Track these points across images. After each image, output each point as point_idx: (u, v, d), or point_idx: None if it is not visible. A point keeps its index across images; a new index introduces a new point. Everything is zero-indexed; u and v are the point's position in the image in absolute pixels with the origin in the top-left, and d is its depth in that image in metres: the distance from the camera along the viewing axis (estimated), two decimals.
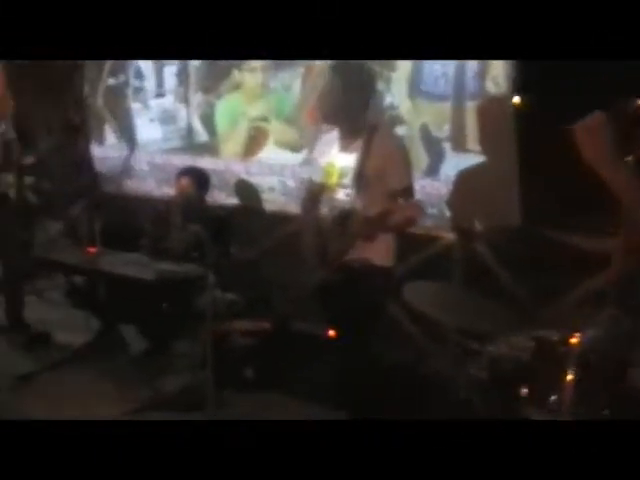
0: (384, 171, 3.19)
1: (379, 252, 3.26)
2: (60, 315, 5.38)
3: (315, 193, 3.53)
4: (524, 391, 2.57)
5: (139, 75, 5.72)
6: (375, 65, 4.03)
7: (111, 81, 5.94)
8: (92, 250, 4.42)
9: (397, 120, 4.41)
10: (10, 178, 6.11)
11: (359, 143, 3.28)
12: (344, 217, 3.22)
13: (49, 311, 5.60)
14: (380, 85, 4.24)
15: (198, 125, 5.37)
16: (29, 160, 5.53)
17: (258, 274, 4.92)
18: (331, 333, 3.72)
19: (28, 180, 6.66)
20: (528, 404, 2.56)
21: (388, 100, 4.43)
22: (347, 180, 3.29)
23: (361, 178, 3.22)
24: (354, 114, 3.29)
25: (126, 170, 5.48)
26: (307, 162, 4.60)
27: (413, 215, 2.99)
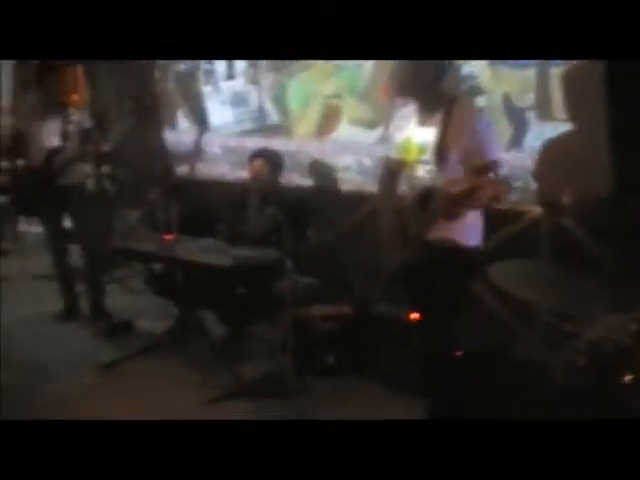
0: (466, 145, 3.00)
1: (463, 231, 3.07)
2: (141, 303, 5.42)
3: (393, 171, 3.37)
4: (628, 378, 2.36)
5: None
6: None
7: (181, 65, 5.86)
8: (169, 237, 4.38)
9: (477, 90, 4.19)
10: (88, 168, 6.20)
11: (438, 116, 3.09)
12: (425, 195, 3.04)
13: (130, 299, 5.65)
14: None
15: (270, 106, 5.24)
16: (106, 148, 5.53)
17: (336, 257, 4.79)
18: (413, 316, 3.58)
19: (105, 169, 6.74)
20: (632, 392, 2.35)
21: (466, 70, 4.21)
22: (426, 156, 3.11)
23: (442, 153, 3.04)
24: (430, 86, 3.10)
25: (199, 154, 5.40)
26: (383, 139, 4.44)
27: (500, 191, 2.77)
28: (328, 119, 4.89)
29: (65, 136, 4.99)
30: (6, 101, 7.64)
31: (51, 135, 5.00)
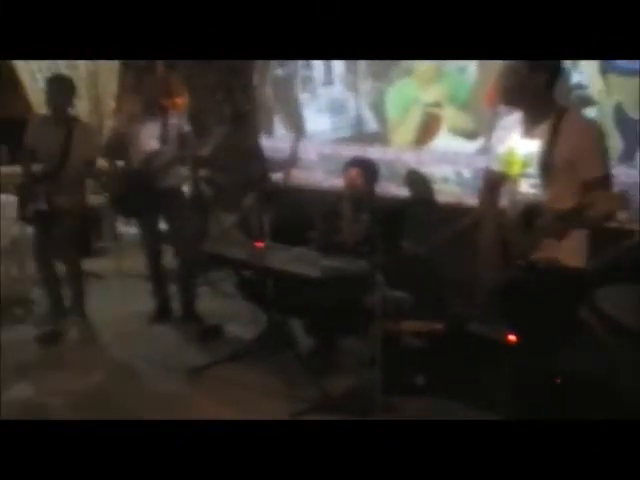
0: (575, 158, 2.78)
1: (569, 251, 2.85)
2: (232, 307, 5.38)
3: (494, 184, 3.18)
4: None
5: (307, 64, 5.54)
6: None
7: (279, 71, 5.82)
8: (260, 244, 4.32)
9: (587, 100, 3.94)
10: (185, 171, 6.25)
11: (545, 127, 2.88)
12: (529, 211, 2.84)
13: (221, 303, 5.64)
14: (566, 61, 3.80)
15: (368, 113, 5.11)
16: (203, 152, 5.54)
17: (430, 270, 4.61)
18: (511, 338, 3.37)
19: (202, 172, 6.78)
20: None
21: (576, 78, 3.97)
22: (531, 169, 2.90)
23: (548, 167, 2.82)
24: (540, 94, 2.89)
25: (295, 161, 5.32)
26: (484, 150, 4.25)
27: (614, 208, 2.54)
28: (427, 128, 4.72)
29: (164, 139, 5.02)
30: (110, 104, 7.82)
31: (150, 138, 5.04)
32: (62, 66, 7.72)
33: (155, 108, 5.07)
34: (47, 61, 7.61)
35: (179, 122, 5.12)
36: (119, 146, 5.27)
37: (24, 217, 5.15)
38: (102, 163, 5.40)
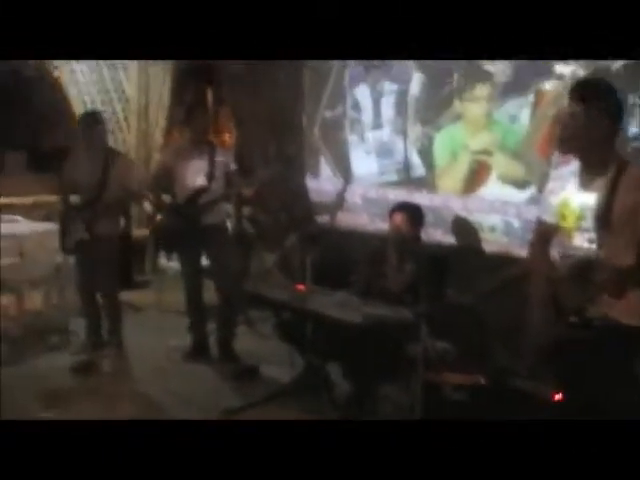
0: (636, 213, 2.66)
1: (627, 309, 2.71)
2: (269, 348, 5.28)
3: (546, 235, 3.05)
4: None
5: (356, 107, 5.51)
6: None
7: (328, 113, 5.79)
8: (301, 287, 4.24)
9: None
10: (230, 208, 6.23)
11: (603, 180, 2.77)
12: (585, 266, 2.71)
13: (259, 343, 5.55)
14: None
15: (415, 158, 5.04)
16: (248, 191, 5.52)
17: (475, 321, 4.47)
18: (558, 397, 3.22)
19: (246, 211, 6.77)
20: None
21: (633, 130, 3.85)
22: (587, 223, 2.79)
23: (606, 221, 2.70)
24: (601, 144, 2.78)
25: (341, 204, 5.25)
26: (535, 200, 4.13)
27: None
28: (476, 175, 4.63)
29: (210, 176, 5.01)
30: (158, 138, 7.89)
31: (197, 174, 5.02)
32: (115, 99, 7.87)
33: (202, 144, 5.07)
34: (100, 94, 7.75)
35: (226, 160, 5.11)
36: (165, 180, 5.29)
37: (65, 248, 5.23)
38: (148, 196, 5.44)
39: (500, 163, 4.51)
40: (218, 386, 4.80)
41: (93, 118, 5.27)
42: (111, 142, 7.75)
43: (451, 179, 4.80)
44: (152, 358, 5.24)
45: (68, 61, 7.46)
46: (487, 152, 4.54)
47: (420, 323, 3.83)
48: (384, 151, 5.28)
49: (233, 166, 5.13)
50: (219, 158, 5.05)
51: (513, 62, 4.31)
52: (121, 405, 4.45)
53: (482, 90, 4.49)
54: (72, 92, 7.63)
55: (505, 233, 4.54)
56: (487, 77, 4.45)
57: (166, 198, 5.34)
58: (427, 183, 4.98)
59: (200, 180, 5.01)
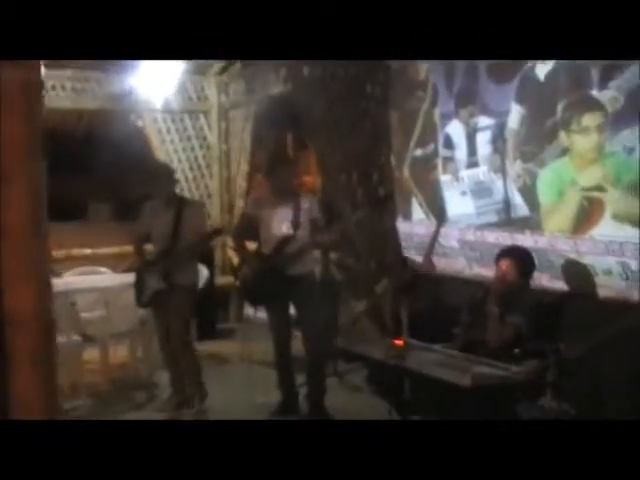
0: None
1: None
2: (360, 402, 4.93)
3: None
4: None
5: (449, 144, 5.16)
6: None
7: (418, 151, 5.46)
8: (399, 342, 3.89)
9: None
10: (316, 254, 5.98)
11: None
12: None
13: (350, 397, 5.22)
14: None
15: (517, 197, 4.63)
16: (334, 237, 5.26)
17: (591, 375, 4.02)
18: None
19: (333, 256, 6.50)
20: None
21: None
22: None
23: None
24: None
25: (434, 248, 4.90)
26: None
27: None
28: (587, 214, 4.18)
29: (296, 225, 4.79)
30: (241, 184, 7.77)
31: (282, 223, 4.84)
32: (196, 146, 7.80)
33: (286, 192, 4.86)
34: (182, 141, 7.70)
35: (311, 206, 4.88)
36: (250, 230, 5.13)
37: (140, 301, 5.14)
38: (232, 246, 5.29)
39: (615, 200, 4.06)
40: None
41: (162, 170, 5.34)
42: (193, 189, 7.81)
43: (559, 219, 4.37)
44: (239, 414, 4.97)
45: (151, 111, 7.47)
46: (599, 188, 4.09)
47: (534, 383, 3.45)
48: (481, 190, 4.89)
49: (318, 213, 4.92)
50: (304, 205, 4.85)
51: (623, 89, 3.91)
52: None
53: (591, 120, 4.07)
54: (154, 141, 7.60)
55: (622, 277, 4.08)
56: (596, 106, 4.03)
57: (250, 246, 5.17)
58: (531, 224, 4.55)
59: (285, 229, 4.82)
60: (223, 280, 7.74)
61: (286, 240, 4.80)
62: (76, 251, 7.70)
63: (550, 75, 4.30)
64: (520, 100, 4.53)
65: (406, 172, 5.61)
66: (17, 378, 1.92)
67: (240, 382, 5.50)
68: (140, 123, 7.70)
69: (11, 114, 1.92)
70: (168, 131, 7.67)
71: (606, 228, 4.11)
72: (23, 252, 1.91)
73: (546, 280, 4.44)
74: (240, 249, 5.29)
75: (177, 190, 5.50)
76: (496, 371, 3.54)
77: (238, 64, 7.14)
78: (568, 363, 3.99)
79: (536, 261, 4.38)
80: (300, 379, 5.06)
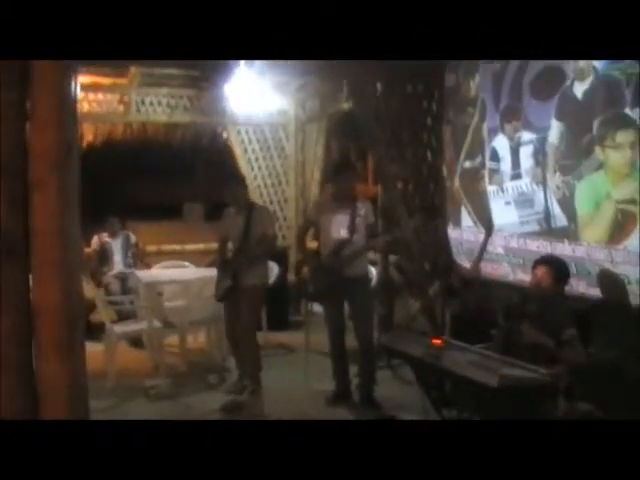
0: None
1: None
2: (410, 395, 4.84)
3: None
4: None
5: (495, 157, 5.02)
6: None
7: (467, 163, 5.34)
8: (438, 342, 3.81)
9: None
10: (372, 256, 5.95)
11: None
12: None
13: (400, 389, 5.14)
14: None
15: (556, 208, 4.46)
16: (388, 241, 5.22)
17: (622, 380, 3.82)
18: None
19: (392, 258, 6.44)
20: None
21: None
22: None
23: None
24: None
25: (481, 255, 4.77)
26: None
27: None
28: (621, 225, 3.99)
29: (352, 229, 4.78)
30: (314, 191, 7.81)
31: (339, 227, 4.84)
32: (275, 156, 7.89)
33: (345, 199, 4.86)
34: (262, 151, 7.79)
35: (367, 212, 4.88)
36: (312, 232, 5.21)
37: (216, 297, 5.22)
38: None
39: None
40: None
41: (235, 178, 5.53)
42: (272, 194, 7.90)
43: (595, 229, 4.18)
44: (296, 401, 5.01)
45: (235, 124, 7.60)
46: (633, 201, 3.89)
47: (560, 385, 3.32)
48: (524, 201, 4.74)
49: (373, 218, 4.94)
50: (360, 211, 4.83)
51: None
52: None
53: (625, 137, 3.87)
54: (237, 150, 7.73)
55: None
56: (630, 123, 3.83)
57: (311, 247, 5.18)
58: (569, 233, 4.37)
59: (343, 233, 4.82)
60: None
61: (343, 243, 4.80)
62: (166, 247, 7.93)
63: (587, 93, 4.12)
64: (560, 117, 4.36)
65: (456, 182, 5.49)
66: (43, 366, 1.98)
67: (302, 370, 5.52)
68: (225, 135, 7.85)
69: (45, 126, 1.97)
70: (250, 142, 7.78)
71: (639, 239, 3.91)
72: (50, 252, 1.98)
73: (583, 287, 4.26)
74: (301, 249, 5.36)
75: (250, 196, 5.58)
76: (525, 373, 3.40)
77: (314, 82, 7.16)
78: (600, 367, 3.82)
79: (574, 269, 4.21)
80: (354, 371, 5.05)
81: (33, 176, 1.94)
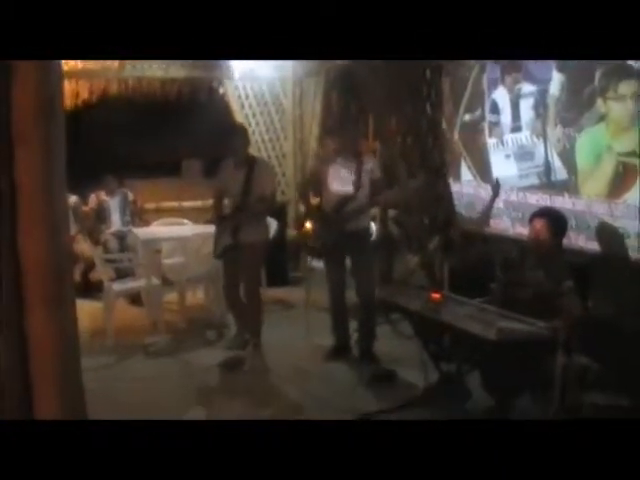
0: None
1: None
2: (409, 350, 4.85)
3: None
4: None
5: (495, 109, 4.94)
6: None
7: (467, 116, 5.25)
8: (436, 296, 3.80)
9: None
10: (375, 211, 5.90)
11: None
12: None
13: (399, 344, 5.15)
14: None
15: (557, 161, 4.40)
16: (393, 197, 5.17)
17: (619, 334, 3.82)
18: None
19: (391, 213, 6.40)
20: None
21: None
22: None
23: None
24: None
25: (488, 215, 4.69)
26: None
27: None
28: (621, 179, 3.94)
29: (357, 185, 4.73)
30: (312, 145, 7.72)
31: (344, 182, 4.77)
32: (272, 111, 7.77)
33: (350, 153, 4.79)
34: (259, 106, 7.68)
35: (373, 167, 4.80)
36: (315, 187, 5.05)
37: (216, 253, 5.12)
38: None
39: None
40: (356, 388, 4.48)
41: (237, 131, 5.22)
42: (269, 149, 7.80)
43: (595, 183, 4.13)
44: (295, 356, 5.05)
45: (231, 79, 7.47)
46: (634, 154, 3.83)
47: (558, 338, 3.31)
48: (524, 154, 4.67)
49: (378, 174, 4.82)
50: (366, 166, 4.75)
51: None
52: (259, 405, 4.24)
53: (627, 88, 3.78)
54: (234, 105, 7.61)
55: None
56: (632, 74, 3.75)
57: (313, 201, 5.12)
58: (569, 187, 4.32)
59: (348, 188, 4.75)
60: (295, 232, 7.79)
61: (347, 199, 4.74)
62: (165, 204, 7.89)
63: None
64: (561, 68, 4.27)
65: (456, 136, 5.42)
66: (32, 322, 1.96)
67: (301, 326, 5.54)
68: (222, 90, 7.72)
69: (25, 81, 1.93)
70: (247, 97, 7.66)
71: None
72: (35, 207, 1.95)
73: (582, 241, 4.23)
74: (305, 205, 5.25)
75: (250, 150, 5.40)
76: (522, 326, 3.40)
77: None
78: (597, 321, 3.82)
79: (573, 223, 4.18)
80: (354, 326, 5.06)
81: (15, 130, 1.90)
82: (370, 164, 4.80)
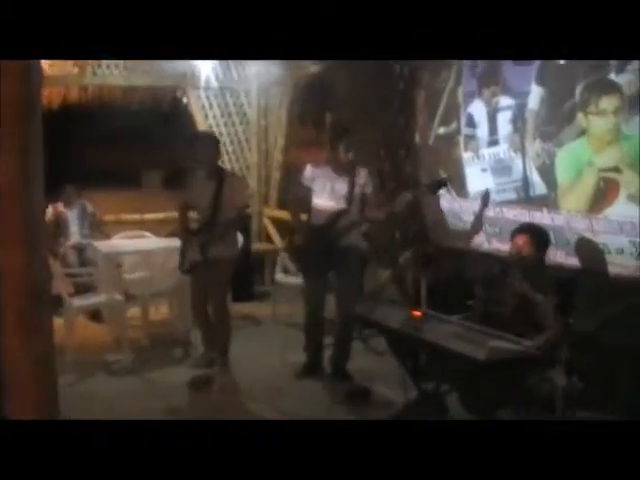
0: None
1: None
2: (383, 366, 4.77)
3: None
4: None
5: (471, 123, 4.91)
6: None
7: (442, 129, 5.22)
8: (417, 313, 3.69)
9: None
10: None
11: None
12: None
13: (373, 361, 5.07)
14: None
15: (535, 176, 4.38)
16: (381, 216, 4.98)
17: (600, 349, 3.80)
18: None
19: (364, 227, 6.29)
20: None
21: None
22: None
23: None
24: None
25: (478, 227, 4.64)
26: None
27: None
28: (602, 194, 3.93)
29: (350, 198, 4.55)
30: (278, 157, 7.61)
31: (337, 196, 4.58)
32: (237, 122, 7.64)
33: (342, 166, 4.57)
34: (223, 117, 7.54)
35: (365, 182, 4.60)
36: (303, 200, 4.80)
37: (182, 268, 4.94)
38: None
39: (630, 181, 3.80)
40: (329, 406, 4.35)
41: (207, 142, 4.95)
42: (233, 161, 7.66)
43: (575, 198, 4.12)
44: (266, 373, 4.89)
45: (195, 88, 7.33)
46: (616, 169, 3.83)
47: (545, 358, 3.26)
48: (501, 168, 4.65)
49: (371, 188, 4.63)
50: (359, 180, 4.57)
51: None
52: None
53: (609, 103, 3.80)
54: (198, 115, 7.47)
55: (634, 256, 3.83)
56: (614, 89, 3.76)
57: (303, 217, 4.89)
58: (548, 202, 4.31)
59: (340, 202, 4.58)
60: (259, 246, 7.64)
61: (340, 213, 4.58)
62: (125, 216, 7.66)
63: None
64: (540, 81, 4.27)
65: (431, 149, 5.37)
66: (7, 336, 1.81)
67: (270, 342, 5.39)
68: (185, 100, 7.57)
69: (4, 79, 1.80)
70: (211, 107, 7.52)
71: (620, 208, 3.87)
72: (14, 213, 1.81)
73: (562, 257, 4.21)
74: (293, 218, 4.99)
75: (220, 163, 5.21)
76: (510, 345, 3.33)
77: None
78: (578, 338, 3.78)
79: (552, 238, 4.15)
80: (327, 343, 4.92)
81: None
82: (363, 178, 4.62)
